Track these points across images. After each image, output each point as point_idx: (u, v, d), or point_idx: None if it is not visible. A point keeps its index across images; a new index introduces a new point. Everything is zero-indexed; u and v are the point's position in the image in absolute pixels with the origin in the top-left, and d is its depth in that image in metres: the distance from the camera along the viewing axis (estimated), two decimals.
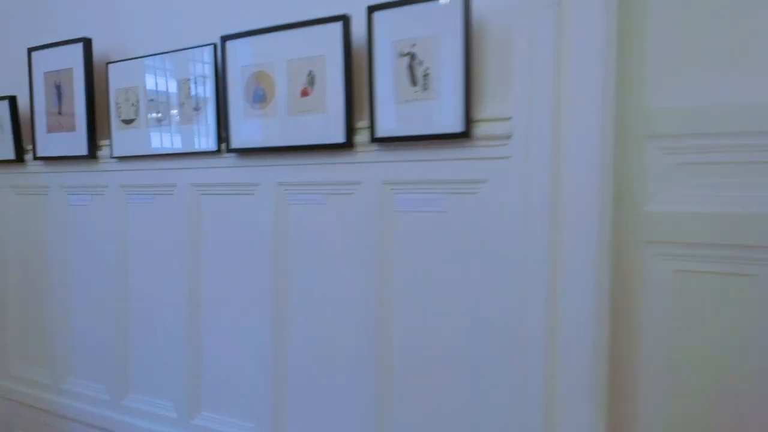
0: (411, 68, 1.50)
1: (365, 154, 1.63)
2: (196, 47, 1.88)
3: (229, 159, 1.87)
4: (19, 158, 2.37)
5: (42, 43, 2.25)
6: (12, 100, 2.33)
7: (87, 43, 2.11)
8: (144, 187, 2.08)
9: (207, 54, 1.85)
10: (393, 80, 1.52)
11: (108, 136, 2.17)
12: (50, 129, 2.26)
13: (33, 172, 2.38)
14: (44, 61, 2.25)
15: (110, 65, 2.08)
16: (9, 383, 2.51)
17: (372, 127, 1.57)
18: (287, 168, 1.77)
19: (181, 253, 2.01)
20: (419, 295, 1.58)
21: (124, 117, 2.07)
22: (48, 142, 2.27)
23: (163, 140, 1.98)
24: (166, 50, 1.95)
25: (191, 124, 1.91)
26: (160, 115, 1.98)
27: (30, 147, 2.35)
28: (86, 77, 2.12)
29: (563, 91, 1.34)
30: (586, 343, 1.33)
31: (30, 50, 2.28)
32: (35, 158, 2.31)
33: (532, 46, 1.36)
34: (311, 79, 1.66)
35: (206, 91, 1.86)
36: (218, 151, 1.86)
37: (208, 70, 1.85)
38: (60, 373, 2.35)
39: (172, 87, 1.93)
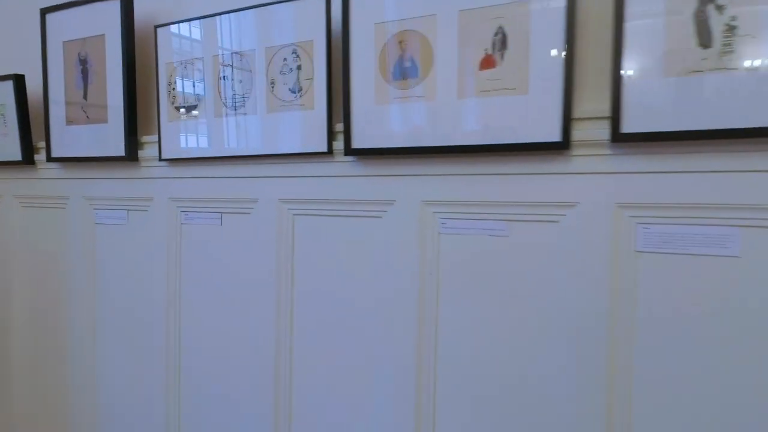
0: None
1: (588, 159, 1.03)
2: None
3: (345, 165, 1.26)
4: (28, 159, 1.75)
5: (60, 1, 1.63)
6: (18, 81, 1.71)
7: None
8: (208, 201, 1.47)
9: (315, 7, 1.24)
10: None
11: (154, 129, 1.56)
12: (71, 120, 1.64)
13: (46, 178, 1.76)
14: (64, 27, 1.63)
15: (160, 29, 1.47)
16: None
17: (616, 119, 0.97)
18: (443, 180, 1.16)
19: (262, 299, 1.39)
20: None
21: (181, 102, 1.45)
22: (68, 139, 1.65)
23: (240, 136, 1.37)
24: (246, 5, 1.34)
25: (287, 112, 1.29)
26: (236, 99, 1.36)
27: (42, 145, 1.74)
28: (125, 47, 1.50)
29: None
30: None
31: (43, 12, 1.66)
32: (49, 159, 1.69)
33: None
34: (501, 41, 1.05)
35: (313, 63, 1.25)
36: (329, 152, 1.25)
37: (317, 31, 1.24)
38: None
39: (258, 59, 1.32)
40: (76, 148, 1.63)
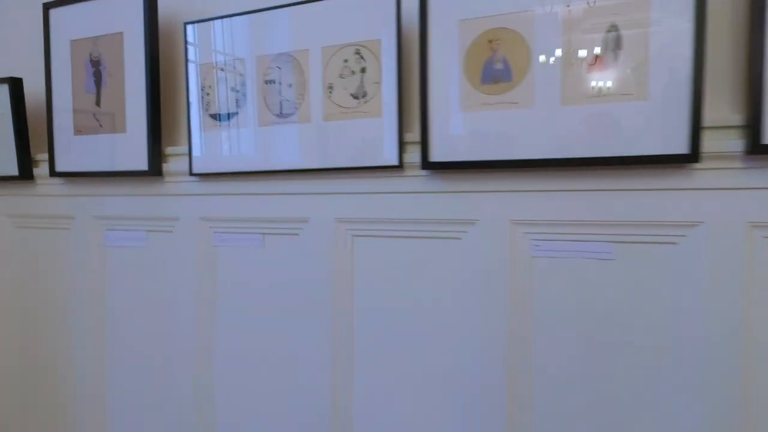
0: None
1: (718, 173, 0.92)
2: None
3: (418, 180, 1.12)
4: (25, 174, 1.54)
5: None
6: (15, 85, 1.50)
7: None
8: (247, 222, 1.30)
9: (383, 1, 1.09)
10: None
11: (181, 140, 1.38)
12: (80, 130, 1.44)
13: (48, 194, 1.55)
14: (72, 24, 1.44)
15: (191, 27, 1.30)
16: None
17: (755, 128, 0.86)
18: (536, 197, 1.03)
19: (314, 336, 1.23)
20: None
21: (216, 110, 1.28)
22: (76, 151, 1.45)
23: (290, 147, 1.21)
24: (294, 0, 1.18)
25: (348, 120, 1.14)
26: (285, 106, 1.20)
27: (42, 157, 1.53)
28: (148, 47, 1.32)
29: None
30: None
31: (47, 6, 1.46)
32: (53, 174, 1.48)
33: None
34: (614, 40, 0.93)
35: (381, 65, 1.10)
36: (398, 166, 1.10)
37: (386, 28, 1.09)
38: None
39: (314, 60, 1.16)
40: (86, 161, 1.44)
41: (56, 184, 1.53)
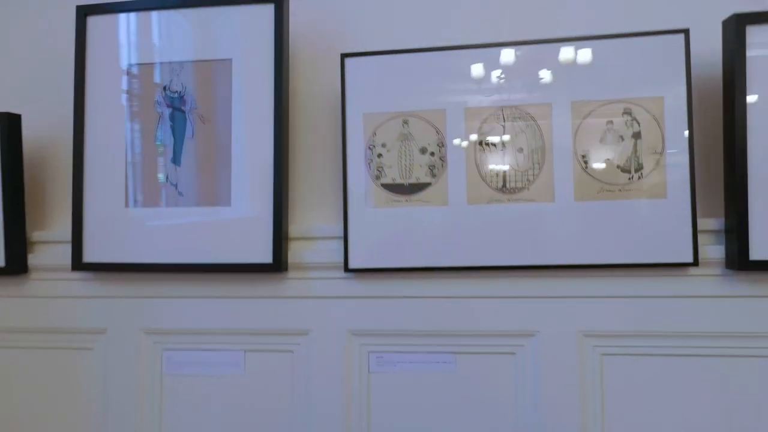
0: None
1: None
2: (645, 34, 0.85)
3: (721, 281, 0.84)
4: (16, 264, 0.96)
5: None
6: (8, 124, 0.95)
7: (279, 3, 0.91)
8: (427, 336, 0.90)
9: (668, 47, 0.83)
10: None
11: (335, 217, 0.96)
12: (142, 199, 0.94)
13: (62, 295, 0.99)
14: (126, 40, 0.95)
15: (352, 61, 0.91)
16: None
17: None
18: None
19: None
20: None
21: (394, 178, 0.89)
22: (127, 231, 0.94)
23: (517, 233, 0.86)
24: (537, 36, 0.88)
25: (613, 201, 0.84)
26: (513, 179, 0.86)
27: (43, 237, 0.98)
28: (278, 81, 0.90)
29: None
30: None
31: (84, 12, 0.96)
32: (79, 267, 0.94)
33: None
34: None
35: (663, 130, 0.83)
36: (693, 263, 0.82)
37: (672, 82, 0.83)
38: None
39: (560, 119, 0.85)
40: (145, 248, 0.93)
41: (76, 280, 0.98)
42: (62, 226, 1.01)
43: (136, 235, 0.94)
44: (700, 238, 0.84)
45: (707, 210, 0.86)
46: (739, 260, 0.80)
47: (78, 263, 0.94)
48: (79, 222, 0.94)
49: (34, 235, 1.00)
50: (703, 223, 0.85)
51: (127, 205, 0.94)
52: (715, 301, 0.84)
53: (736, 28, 0.81)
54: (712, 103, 0.87)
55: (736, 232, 0.80)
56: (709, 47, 0.86)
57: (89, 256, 0.94)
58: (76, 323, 0.98)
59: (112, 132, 0.95)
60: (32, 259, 0.98)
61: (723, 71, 0.83)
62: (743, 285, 0.84)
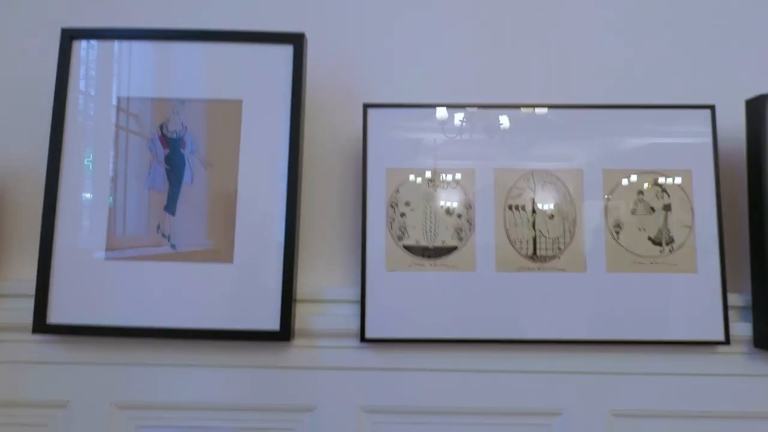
0: None
1: None
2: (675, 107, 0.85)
3: (746, 358, 0.82)
4: None
5: (115, 23, 0.86)
6: None
7: (298, 44, 0.84)
8: (447, 414, 0.82)
9: (695, 122, 0.84)
10: None
11: (348, 279, 0.87)
12: (132, 252, 0.81)
13: (13, 362, 0.83)
14: (124, 70, 0.85)
15: (376, 111, 0.85)
16: None
17: None
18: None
19: None
20: None
21: (417, 240, 0.82)
22: (106, 289, 0.81)
23: (543, 305, 0.81)
24: (578, 100, 0.85)
25: (644, 273, 0.81)
26: (544, 247, 0.82)
27: (12, 289, 0.83)
28: (294, 130, 0.82)
29: None
30: None
31: (69, 35, 0.85)
32: (41, 329, 0.79)
33: None
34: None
35: (692, 203, 0.82)
36: (724, 341, 0.80)
37: (699, 156, 0.83)
38: None
39: (591, 184, 0.83)
40: (126, 308, 0.80)
41: (34, 342, 0.82)
42: (23, 276, 0.86)
43: (117, 293, 0.81)
44: (728, 314, 0.83)
45: (733, 284, 0.85)
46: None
47: (41, 324, 0.79)
48: (45, 272, 0.80)
49: None
50: (731, 299, 0.83)
51: (107, 256, 0.81)
52: (744, 379, 0.82)
53: (758, 107, 0.82)
54: (737, 177, 0.87)
55: (764, 311, 0.79)
56: (732, 122, 0.87)
57: (57, 315, 0.80)
58: (30, 394, 0.82)
59: (95, 170, 0.83)
60: None
61: (747, 150, 0.84)
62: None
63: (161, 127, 0.84)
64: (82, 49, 0.84)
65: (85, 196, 0.82)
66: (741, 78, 0.89)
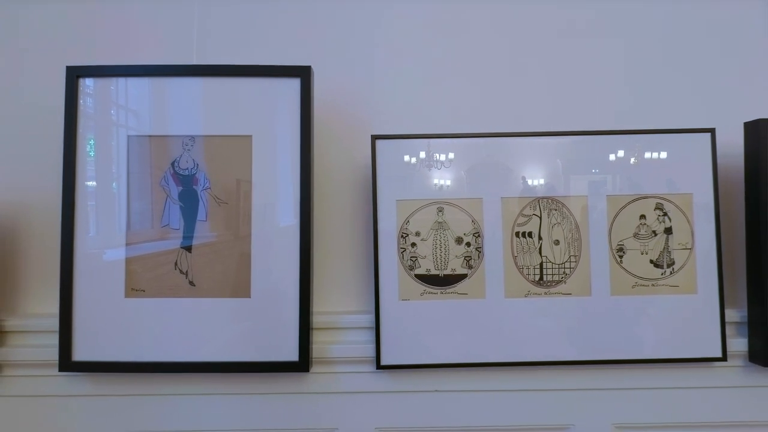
0: None
1: None
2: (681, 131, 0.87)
3: (741, 372, 0.87)
4: None
5: (127, 59, 0.86)
6: None
7: (306, 77, 0.85)
8: None
9: (696, 146, 0.86)
10: None
11: (362, 306, 0.90)
12: (152, 289, 0.83)
13: (31, 396, 0.85)
14: (132, 108, 0.85)
15: (383, 143, 0.86)
16: None
17: None
18: None
19: None
20: None
21: (428, 269, 0.85)
22: (126, 326, 0.83)
23: (549, 328, 0.85)
24: (590, 127, 0.87)
25: (645, 296, 0.85)
26: (550, 271, 0.85)
27: (16, 325, 0.85)
28: (304, 165, 0.84)
29: None
30: None
31: (74, 72, 0.84)
32: (67, 366, 0.82)
33: None
34: None
35: (692, 225, 0.85)
36: (720, 358, 0.84)
37: (698, 179, 0.86)
38: None
39: (595, 209, 0.85)
40: (148, 344, 0.83)
41: (49, 377, 0.85)
42: (41, 310, 0.88)
43: (138, 329, 0.83)
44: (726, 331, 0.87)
45: (731, 300, 0.89)
46: (765, 355, 0.83)
47: (66, 362, 0.82)
48: (67, 312, 0.82)
49: (7, 323, 0.86)
50: (728, 314, 0.87)
51: (127, 294, 0.84)
52: (740, 392, 0.87)
53: (757, 130, 0.84)
54: (733, 196, 0.90)
55: (761, 328, 0.83)
56: (730, 143, 0.89)
57: (81, 353, 0.83)
58: (55, 428, 0.85)
59: (110, 209, 0.84)
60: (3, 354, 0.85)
61: (745, 170, 0.86)
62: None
63: (173, 164, 0.85)
64: (87, 87, 0.85)
65: (101, 235, 0.84)
66: (740, 101, 0.91)
